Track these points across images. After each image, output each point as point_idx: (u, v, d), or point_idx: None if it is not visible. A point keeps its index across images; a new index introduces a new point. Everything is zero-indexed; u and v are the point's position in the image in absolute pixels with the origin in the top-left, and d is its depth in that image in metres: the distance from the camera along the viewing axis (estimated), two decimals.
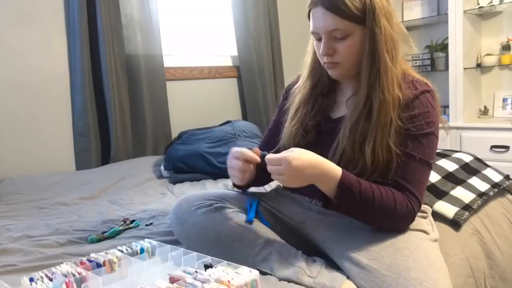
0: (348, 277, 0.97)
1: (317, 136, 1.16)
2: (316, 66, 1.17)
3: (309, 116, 1.16)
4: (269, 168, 0.99)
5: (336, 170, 1.00)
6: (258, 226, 1.12)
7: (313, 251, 1.10)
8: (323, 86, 1.17)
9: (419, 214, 1.10)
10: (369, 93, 1.04)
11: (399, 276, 0.90)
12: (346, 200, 1.00)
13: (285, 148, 1.11)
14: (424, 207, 1.15)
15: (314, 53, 1.14)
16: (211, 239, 1.11)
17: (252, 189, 1.33)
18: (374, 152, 1.03)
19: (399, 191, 1.02)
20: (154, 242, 1.08)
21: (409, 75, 1.10)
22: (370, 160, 1.03)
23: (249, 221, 1.11)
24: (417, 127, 1.04)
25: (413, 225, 1.06)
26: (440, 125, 1.11)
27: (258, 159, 1.05)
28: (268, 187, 1.82)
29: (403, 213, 1.01)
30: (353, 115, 1.07)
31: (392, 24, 1.05)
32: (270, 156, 1.00)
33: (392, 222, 1.03)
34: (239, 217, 1.13)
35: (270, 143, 1.27)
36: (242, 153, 1.07)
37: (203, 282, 0.84)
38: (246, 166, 1.07)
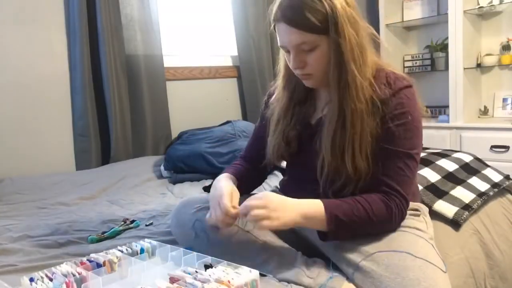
0: (347, 278, 0.98)
1: (300, 144, 1.16)
2: (290, 75, 1.14)
3: (289, 127, 1.16)
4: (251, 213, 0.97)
5: (317, 205, 0.99)
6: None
7: (313, 252, 1.10)
8: (300, 94, 1.16)
9: (412, 212, 1.10)
10: (341, 104, 1.03)
11: (397, 277, 0.90)
12: (341, 229, 0.99)
13: (271, 161, 1.19)
14: (418, 205, 1.16)
15: (286, 61, 1.12)
16: (211, 242, 1.11)
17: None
18: (354, 160, 1.02)
19: (383, 189, 1.02)
20: (154, 242, 1.08)
21: (384, 71, 1.07)
22: (352, 168, 1.02)
23: None
24: (396, 125, 1.03)
25: (407, 224, 1.06)
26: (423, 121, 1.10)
27: (234, 220, 1.05)
28: (267, 187, 1.82)
29: (392, 215, 1.01)
30: (330, 128, 1.05)
31: (358, 29, 1.02)
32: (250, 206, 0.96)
33: (388, 225, 1.03)
34: (239, 219, 1.13)
35: (254, 149, 1.29)
36: (227, 210, 1.02)
37: (203, 282, 0.84)
38: (227, 219, 1.04)
